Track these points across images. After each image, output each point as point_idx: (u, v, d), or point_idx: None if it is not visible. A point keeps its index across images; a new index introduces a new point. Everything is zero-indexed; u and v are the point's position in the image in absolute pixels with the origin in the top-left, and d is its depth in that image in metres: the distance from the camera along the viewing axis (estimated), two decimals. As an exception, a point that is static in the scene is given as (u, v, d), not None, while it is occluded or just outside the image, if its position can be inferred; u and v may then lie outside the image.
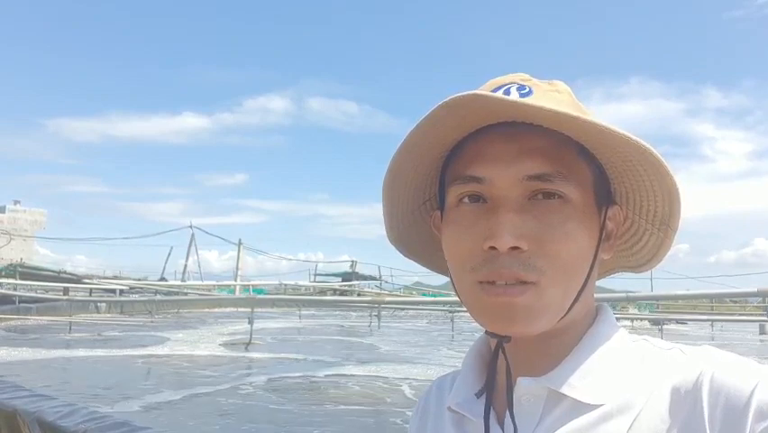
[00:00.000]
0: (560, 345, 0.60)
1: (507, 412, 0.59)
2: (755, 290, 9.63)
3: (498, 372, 0.62)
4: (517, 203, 0.57)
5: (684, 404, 0.53)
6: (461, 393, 0.64)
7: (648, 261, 0.67)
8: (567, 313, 0.58)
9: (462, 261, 0.59)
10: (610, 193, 0.63)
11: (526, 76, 0.63)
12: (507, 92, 0.60)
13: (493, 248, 0.55)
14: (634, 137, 0.54)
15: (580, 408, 0.56)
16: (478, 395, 0.62)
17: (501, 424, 0.60)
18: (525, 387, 0.58)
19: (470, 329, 17.99)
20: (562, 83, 0.64)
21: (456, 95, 0.53)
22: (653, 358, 0.58)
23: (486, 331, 0.61)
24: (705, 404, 0.51)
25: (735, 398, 0.50)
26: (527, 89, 0.60)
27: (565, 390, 0.56)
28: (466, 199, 0.59)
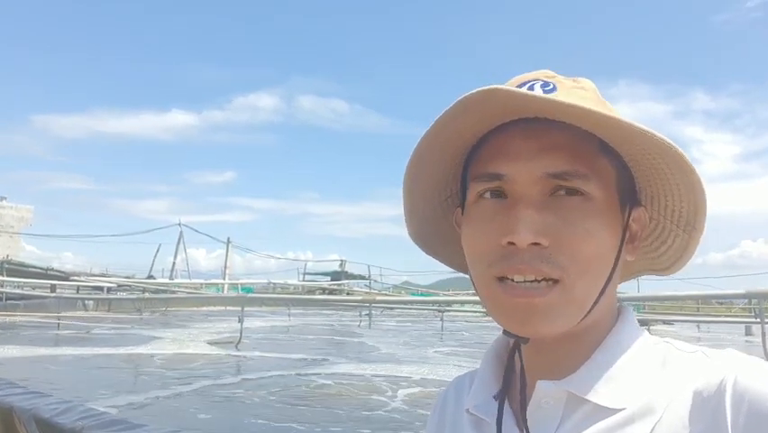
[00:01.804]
0: (581, 347, 0.59)
1: (527, 415, 0.58)
2: (744, 291, 9.70)
3: (517, 372, 0.62)
4: (537, 199, 0.56)
5: (707, 408, 0.52)
6: (479, 395, 0.64)
7: (673, 263, 0.66)
8: (588, 314, 0.57)
9: (481, 256, 0.58)
10: (635, 193, 0.62)
11: (551, 72, 0.62)
12: (531, 88, 0.59)
13: (512, 244, 0.55)
14: (652, 131, 0.53)
15: (601, 412, 0.55)
16: (496, 397, 0.61)
17: (521, 427, 0.59)
18: (544, 390, 0.57)
19: (459, 328, 18.00)
20: (588, 80, 0.63)
21: (472, 91, 0.52)
22: (676, 361, 0.57)
23: (504, 331, 0.60)
24: (728, 409, 0.50)
25: (759, 403, 0.49)
26: (551, 86, 0.60)
27: (585, 393, 0.56)
28: (487, 195, 0.59)
